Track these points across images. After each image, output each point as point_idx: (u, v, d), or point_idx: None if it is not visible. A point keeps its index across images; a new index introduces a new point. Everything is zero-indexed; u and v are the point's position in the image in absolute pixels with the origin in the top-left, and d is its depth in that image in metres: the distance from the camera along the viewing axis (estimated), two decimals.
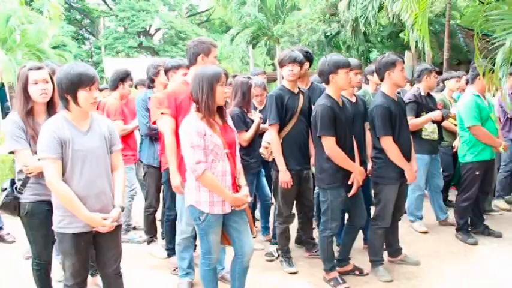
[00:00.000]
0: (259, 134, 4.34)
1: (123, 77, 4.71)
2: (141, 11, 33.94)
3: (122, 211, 2.73)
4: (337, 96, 3.62)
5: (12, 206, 2.97)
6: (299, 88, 4.01)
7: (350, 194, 3.65)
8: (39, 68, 2.98)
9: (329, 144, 3.50)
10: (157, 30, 37.63)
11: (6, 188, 2.97)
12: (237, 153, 3.07)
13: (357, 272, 3.98)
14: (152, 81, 4.40)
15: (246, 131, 4.25)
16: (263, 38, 19.69)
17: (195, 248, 3.88)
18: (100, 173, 2.64)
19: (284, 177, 3.84)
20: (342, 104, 3.66)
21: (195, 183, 2.91)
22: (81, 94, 2.53)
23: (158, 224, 4.75)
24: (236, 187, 3.02)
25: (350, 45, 16.10)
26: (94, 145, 2.63)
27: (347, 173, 3.60)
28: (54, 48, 22.48)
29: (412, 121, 4.54)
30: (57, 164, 2.52)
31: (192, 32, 34.31)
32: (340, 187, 3.61)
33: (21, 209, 2.96)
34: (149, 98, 4.34)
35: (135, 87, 5.79)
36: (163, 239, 4.68)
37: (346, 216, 3.97)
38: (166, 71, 4.10)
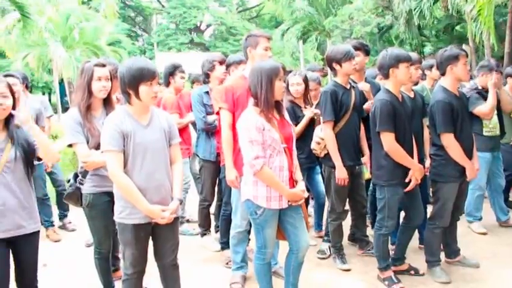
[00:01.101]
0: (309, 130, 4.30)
1: (172, 71, 4.79)
2: (192, 7, 34.46)
3: (181, 204, 2.78)
4: (396, 91, 3.52)
5: (75, 196, 3.09)
6: (350, 83, 3.96)
7: (406, 190, 3.55)
8: (103, 65, 3.09)
9: (388, 140, 3.42)
10: (208, 26, 38.11)
11: (70, 180, 3.11)
12: (294, 147, 3.05)
13: (412, 272, 3.87)
14: (207, 76, 4.43)
15: (296, 125, 4.23)
16: (314, 33, 19.53)
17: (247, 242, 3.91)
18: (159, 165, 2.70)
19: (341, 173, 3.80)
20: (402, 99, 3.57)
21: (252, 178, 2.91)
22: (143, 88, 2.58)
23: (211, 217, 4.81)
24: (293, 182, 3.00)
25: (403, 39, 15.69)
26: (154, 138, 2.69)
27: (405, 170, 3.50)
28: (109, 45, 23.25)
29: (486, 104, 4.40)
30: (119, 156, 2.59)
31: (242, 27, 34.53)
32: (398, 184, 3.52)
33: (83, 200, 3.09)
34: (205, 92, 4.41)
35: (191, 85, 5.88)
36: (216, 232, 4.75)
37: (402, 214, 3.88)
38: (228, 66, 4.15)
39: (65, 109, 22.41)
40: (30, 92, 5.32)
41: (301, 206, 3.03)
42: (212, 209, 4.75)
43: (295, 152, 3.07)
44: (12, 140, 2.64)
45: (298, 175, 3.06)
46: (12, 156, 2.61)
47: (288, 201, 2.93)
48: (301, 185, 3.02)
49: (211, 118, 4.29)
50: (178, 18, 34.63)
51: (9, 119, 2.65)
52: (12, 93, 2.65)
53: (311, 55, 23.46)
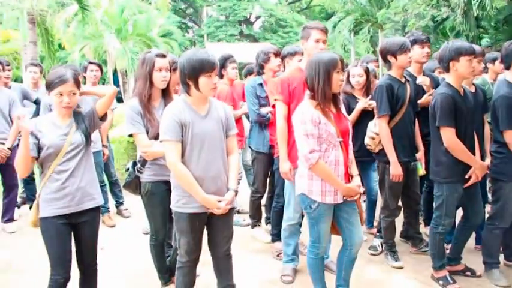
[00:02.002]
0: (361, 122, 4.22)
1: (223, 63, 4.83)
2: None
3: (236, 195, 2.80)
4: (458, 85, 3.39)
5: (134, 185, 3.17)
6: (405, 76, 3.86)
7: (465, 186, 3.43)
8: (164, 55, 3.15)
9: (449, 135, 3.30)
10: (257, 18, 38.13)
11: (128, 169, 3.20)
12: (350, 142, 3.01)
13: (468, 273, 3.74)
14: (262, 67, 4.41)
15: None
16: (366, 25, 19.09)
17: None
18: (216, 156, 2.72)
19: (396, 170, 3.72)
20: (463, 93, 3.44)
21: (307, 172, 2.89)
22: (203, 80, 2.60)
23: (262, 209, 4.83)
24: (348, 177, 2.97)
25: (459, 31, 15.04)
26: (212, 129, 2.71)
27: (466, 167, 3.38)
28: (161, 36, 23.74)
29: None
30: (177, 146, 2.63)
31: (291, 19, 34.39)
32: (458, 182, 3.40)
33: (142, 188, 3.16)
34: (258, 84, 4.42)
35: (245, 77, 5.90)
36: (266, 224, 4.78)
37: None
38: (283, 58, 4.14)
39: (117, 99, 23.13)
40: (84, 83, 5.56)
41: (356, 201, 2.99)
42: (263, 201, 4.77)
43: (351, 146, 3.03)
44: (76, 125, 2.79)
45: (354, 170, 3.02)
46: (74, 139, 2.75)
47: (343, 196, 2.90)
48: (357, 180, 2.98)
49: (264, 110, 4.29)
50: (228, 11, 34.85)
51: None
52: (78, 85, 2.76)
53: (362, 48, 23.02)
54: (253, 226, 4.73)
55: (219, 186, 2.73)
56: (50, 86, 2.68)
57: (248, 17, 37.05)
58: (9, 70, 5.40)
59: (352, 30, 18.79)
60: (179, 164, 2.62)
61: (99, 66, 5.34)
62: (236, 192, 2.80)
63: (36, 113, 5.11)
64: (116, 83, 23.95)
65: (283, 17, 34.81)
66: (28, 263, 4.16)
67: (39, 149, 2.69)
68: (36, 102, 5.33)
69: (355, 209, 3.00)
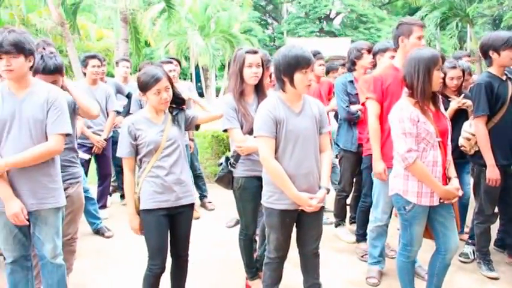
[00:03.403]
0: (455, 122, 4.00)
1: None
2: None
3: (328, 193, 2.77)
4: None
5: (226, 179, 3.23)
6: (506, 74, 3.62)
7: None
8: (255, 52, 3.18)
9: None
10: (337, 14, 37.54)
11: (221, 163, 3.27)
12: (449, 142, 2.87)
13: None
14: (353, 63, 4.32)
15: None
16: (454, 20, 18.11)
17: None
18: (309, 153, 2.70)
19: (493, 173, 3.50)
20: None
21: (403, 172, 2.80)
22: (298, 76, 2.59)
23: (347, 208, 4.75)
24: (445, 178, 2.84)
25: None
26: (305, 126, 2.69)
27: None
28: (242, 33, 24.11)
29: None
30: (271, 142, 2.64)
31: (373, 15, 33.53)
32: None
33: (234, 183, 3.22)
34: (349, 81, 4.34)
35: (326, 73, 5.83)
36: (351, 223, 4.70)
37: None
38: (374, 54, 4.05)
39: (199, 94, 23.85)
40: None
41: (453, 204, 2.85)
42: (348, 200, 4.69)
43: (449, 147, 2.89)
44: (171, 121, 2.87)
45: (452, 171, 2.88)
46: (171, 135, 2.83)
47: (440, 198, 2.78)
48: (455, 182, 2.84)
49: (354, 108, 4.21)
50: (308, 8, 34.63)
51: None
52: (170, 80, 2.85)
53: (448, 44, 21.95)
54: (337, 225, 4.67)
55: (311, 183, 2.71)
56: (146, 87, 2.75)
57: (328, 13, 36.56)
58: (104, 66, 5.72)
59: (438, 25, 17.90)
60: (272, 160, 2.63)
61: (178, 61, 5.48)
62: (328, 190, 2.77)
63: (128, 107, 5.37)
64: (198, 78, 24.71)
65: (364, 13, 33.98)
66: (119, 249, 4.40)
67: (137, 146, 2.80)
68: (128, 96, 5.61)
69: (451, 213, 2.87)
